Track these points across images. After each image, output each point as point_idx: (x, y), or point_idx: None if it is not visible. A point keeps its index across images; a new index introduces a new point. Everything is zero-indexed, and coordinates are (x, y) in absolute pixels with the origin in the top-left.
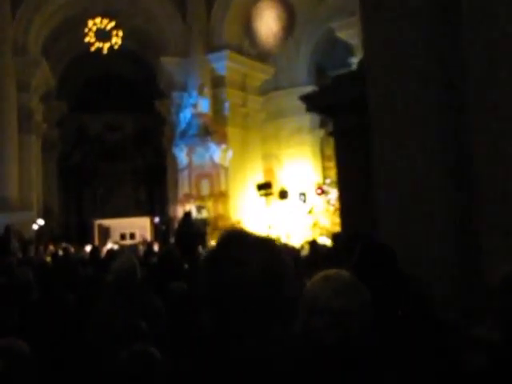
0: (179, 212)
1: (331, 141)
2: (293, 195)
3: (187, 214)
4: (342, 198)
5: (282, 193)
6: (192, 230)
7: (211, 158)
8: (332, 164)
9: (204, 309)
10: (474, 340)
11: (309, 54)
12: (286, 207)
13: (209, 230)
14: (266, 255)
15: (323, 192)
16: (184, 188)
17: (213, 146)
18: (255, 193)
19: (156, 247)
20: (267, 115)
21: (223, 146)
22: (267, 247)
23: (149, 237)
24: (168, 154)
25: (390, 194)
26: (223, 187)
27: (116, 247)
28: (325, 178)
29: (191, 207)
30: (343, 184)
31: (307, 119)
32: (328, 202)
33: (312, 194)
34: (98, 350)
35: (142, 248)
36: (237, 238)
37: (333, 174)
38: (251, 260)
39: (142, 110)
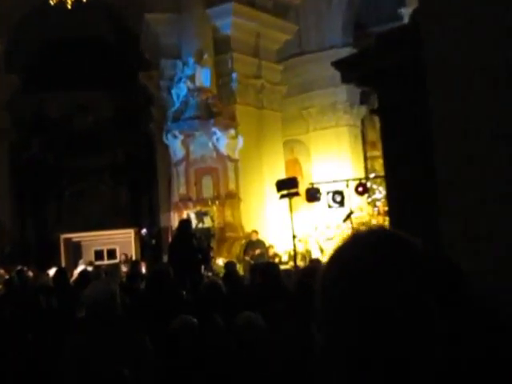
0: (174, 221)
1: (376, 121)
2: (326, 196)
3: (184, 223)
4: (392, 198)
5: (310, 192)
6: (191, 244)
7: (215, 148)
8: (378, 153)
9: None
10: None
11: (344, 5)
12: (316, 212)
13: (214, 244)
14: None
15: (366, 191)
16: (180, 188)
17: (217, 132)
18: (275, 193)
19: (143, 268)
20: (289, 89)
21: (231, 132)
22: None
23: (133, 255)
24: (158, 143)
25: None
26: (232, 186)
27: (90, 269)
28: (368, 171)
29: (190, 214)
30: (393, 179)
31: (343, 93)
32: (372, 203)
33: (351, 194)
34: None
35: (124, 269)
36: (393, 242)
37: (379, 165)
38: (414, 272)
39: (121, 84)
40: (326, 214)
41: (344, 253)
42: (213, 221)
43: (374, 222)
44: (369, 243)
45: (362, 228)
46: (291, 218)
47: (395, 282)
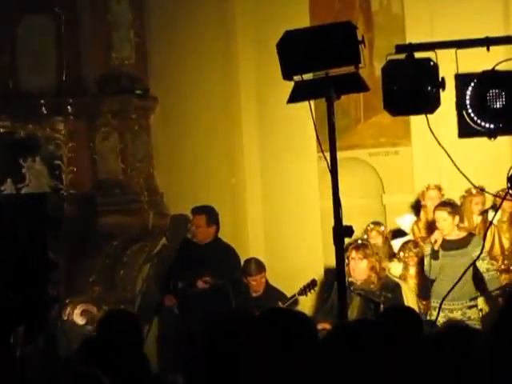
0: None
1: None
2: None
3: None
4: None
5: (407, 77)
6: None
7: None
8: None
9: None
10: None
11: None
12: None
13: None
14: None
15: None
16: None
17: None
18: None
19: None
20: None
21: None
22: None
23: None
24: None
25: None
26: (123, 56)
27: None
28: None
29: None
30: None
31: None
32: None
33: None
34: None
35: None
36: None
37: None
38: None
39: None
40: (462, 155)
41: None
42: (56, 173)
43: None
44: None
45: None
46: (331, 166)
47: None
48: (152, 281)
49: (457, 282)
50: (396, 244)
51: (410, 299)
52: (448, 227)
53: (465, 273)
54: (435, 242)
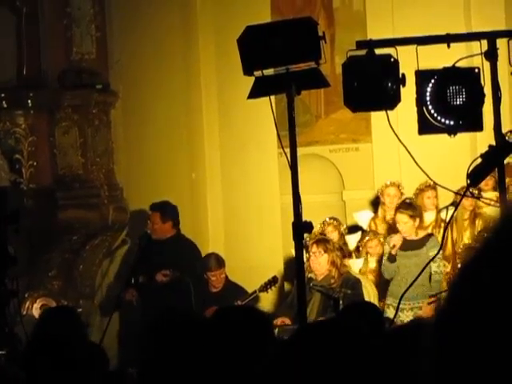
0: None
1: None
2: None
3: None
4: None
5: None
6: None
7: None
8: None
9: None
10: None
11: None
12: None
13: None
14: None
15: None
16: None
17: None
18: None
19: None
20: None
21: None
22: None
23: None
24: None
25: None
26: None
27: None
28: None
29: None
30: None
31: None
32: None
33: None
34: None
35: None
36: None
37: None
38: None
39: None
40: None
41: None
42: (16, 167)
43: None
44: None
45: None
46: (291, 161)
47: None
48: (112, 276)
49: (413, 282)
50: (351, 240)
51: (371, 295)
52: (409, 230)
53: (421, 273)
54: (393, 246)
